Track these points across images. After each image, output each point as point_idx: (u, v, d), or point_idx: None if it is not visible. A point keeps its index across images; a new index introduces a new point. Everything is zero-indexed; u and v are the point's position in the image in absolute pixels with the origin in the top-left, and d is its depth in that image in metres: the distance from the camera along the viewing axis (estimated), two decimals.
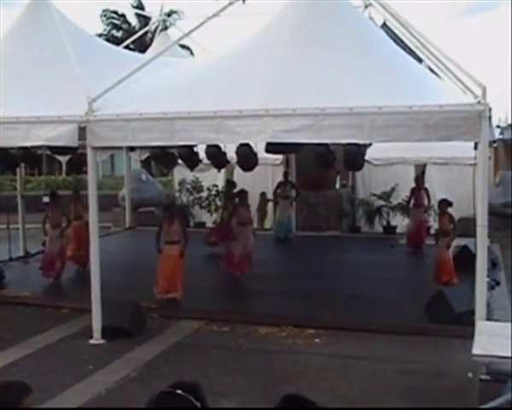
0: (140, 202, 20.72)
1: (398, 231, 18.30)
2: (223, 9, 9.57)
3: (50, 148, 11.70)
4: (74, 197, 14.27)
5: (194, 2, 31.57)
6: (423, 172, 19.12)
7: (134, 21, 42.47)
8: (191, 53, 29.89)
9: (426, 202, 16.04)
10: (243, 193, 13.04)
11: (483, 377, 6.31)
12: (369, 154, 13.30)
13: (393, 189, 18.17)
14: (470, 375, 6.89)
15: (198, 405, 3.27)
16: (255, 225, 20.26)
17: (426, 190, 16.12)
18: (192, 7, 29.33)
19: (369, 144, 11.46)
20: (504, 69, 59.24)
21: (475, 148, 7.80)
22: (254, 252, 12.63)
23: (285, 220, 17.50)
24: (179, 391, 3.33)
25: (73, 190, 14.74)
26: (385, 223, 18.82)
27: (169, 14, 35.07)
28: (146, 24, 33.95)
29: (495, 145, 18.70)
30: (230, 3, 9.52)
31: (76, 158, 13.20)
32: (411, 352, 8.53)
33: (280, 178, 20.33)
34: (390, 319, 9.92)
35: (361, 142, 8.89)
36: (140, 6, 40.38)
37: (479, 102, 7.60)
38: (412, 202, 15.94)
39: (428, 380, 7.51)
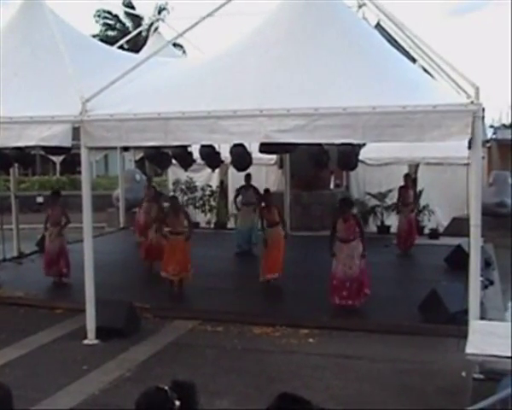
0: (134, 202, 20.66)
1: (392, 230, 18.34)
2: (217, 9, 9.56)
3: (44, 148, 11.67)
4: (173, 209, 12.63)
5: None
6: (415, 172, 19.21)
7: (127, 21, 42.40)
8: (184, 51, 29.88)
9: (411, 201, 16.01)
10: (345, 200, 11.21)
11: (476, 376, 6.33)
12: (363, 153, 13.32)
13: (390, 190, 18.21)
14: (464, 374, 6.92)
15: (176, 403, 3.30)
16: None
17: (414, 188, 16.15)
18: (184, 3, 29.28)
19: (363, 144, 11.47)
20: (497, 68, 59.53)
21: (469, 147, 7.82)
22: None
23: (246, 230, 15.96)
24: (166, 387, 3.37)
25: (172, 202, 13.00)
26: (379, 223, 18.87)
27: (159, 12, 35.12)
28: (139, 24, 33.93)
29: (488, 145, 18.81)
30: (225, 3, 9.50)
31: (70, 158, 13.17)
32: (405, 351, 8.55)
33: (274, 177, 20.34)
34: (384, 319, 9.94)
35: (355, 142, 8.89)
36: (130, 5, 40.29)
37: (472, 102, 7.63)
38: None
39: (422, 379, 7.53)
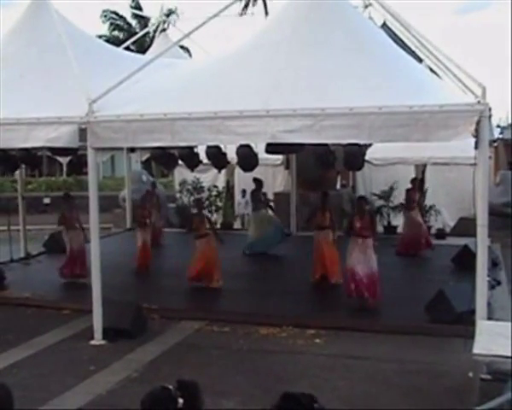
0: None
1: (398, 230, 18.29)
2: (223, 10, 9.56)
3: (51, 149, 11.70)
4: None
5: (193, 1, 31.51)
6: (423, 172, 19.16)
7: (134, 22, 42.42)
8: (189, 55, 29.89)
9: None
10: (362, 198, 11.93)
11: (484, 376, 6.33)
12: (370, 154, 13.28)
13: (392, 188, 18.15)
14: (471, 374, 6.89)
15: (180, 401, 3.34)
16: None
17: (421, 190, 16.11)
18: (190, 6, 29.27)
19: (370, 144, 11.46)
20: (505, 67, 59.44)
21: (476, 147, 7.79)
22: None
23: (259, 237, 15.65)
24: (170, 386, 3.40)
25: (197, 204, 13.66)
26: (385, 223, 18.84)
27: (168, 15, 35.15)
28: (145, 25, 33.93)
29: (495, 145, 18.74)
30: (231, 4, 9.51)
31: (76, 159, 13.21)
32: (412, 352, 8.53)
33: (280, 178, 20.33)
34: (391, 319, 9.93)
35: (361, 142, 8.88)
36: (138, 6, 40.30)
37: (479, 102, 7.61)
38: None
39: (429, 380, 7.51)
